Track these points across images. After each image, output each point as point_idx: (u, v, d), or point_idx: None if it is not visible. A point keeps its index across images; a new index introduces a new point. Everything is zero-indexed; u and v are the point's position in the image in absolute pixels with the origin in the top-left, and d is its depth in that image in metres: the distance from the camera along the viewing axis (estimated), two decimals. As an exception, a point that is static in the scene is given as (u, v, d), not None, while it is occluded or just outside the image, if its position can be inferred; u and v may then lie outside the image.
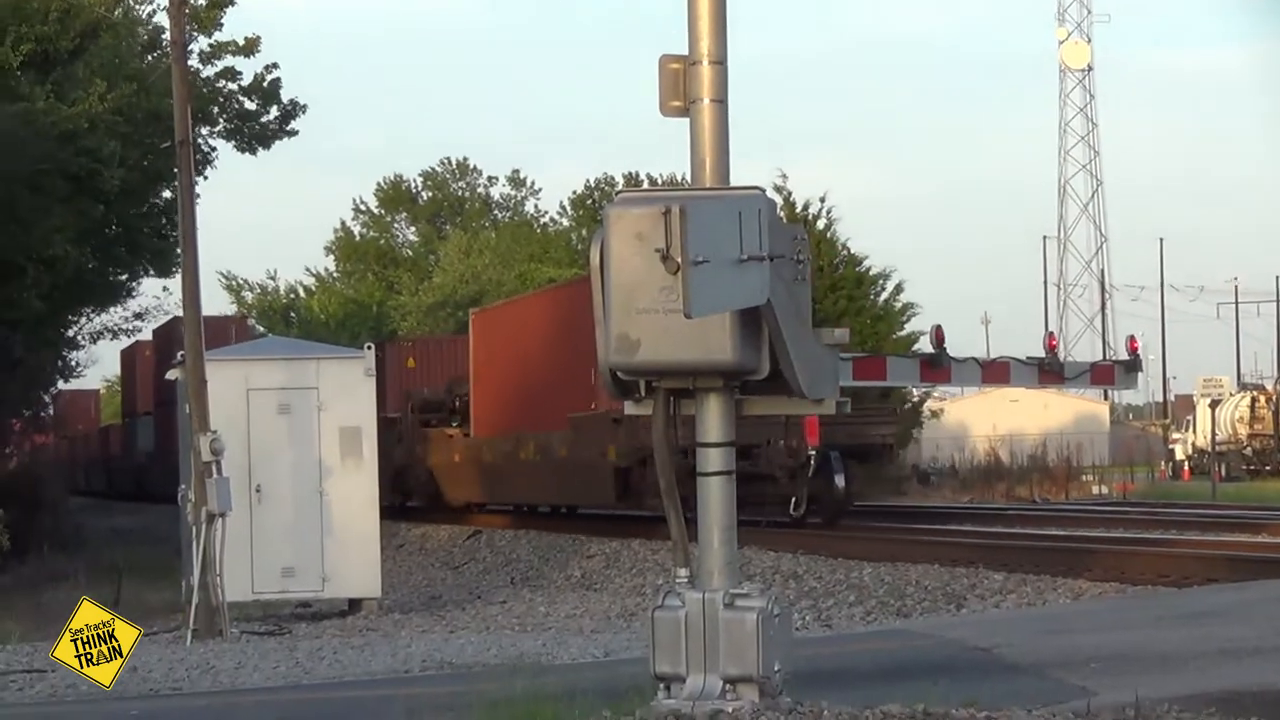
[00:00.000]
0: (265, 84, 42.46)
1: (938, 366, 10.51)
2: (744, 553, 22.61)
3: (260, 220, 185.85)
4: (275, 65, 42.43)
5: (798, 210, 53.77)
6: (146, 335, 60.08)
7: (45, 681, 16.38)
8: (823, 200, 55.24)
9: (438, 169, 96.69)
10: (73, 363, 56.22)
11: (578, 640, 19.43)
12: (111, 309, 51.80)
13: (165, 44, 35.60)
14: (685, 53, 9.57)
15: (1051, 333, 11.39)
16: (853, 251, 55.82)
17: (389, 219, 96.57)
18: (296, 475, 25.68)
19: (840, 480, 33.08)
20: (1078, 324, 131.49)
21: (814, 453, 31.93)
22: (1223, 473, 62.92)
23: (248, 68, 42.14)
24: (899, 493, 53.88)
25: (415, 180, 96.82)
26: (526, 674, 11.51)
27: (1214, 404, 62.82)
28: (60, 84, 35.03)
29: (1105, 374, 11.25)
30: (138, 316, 53.65)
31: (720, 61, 9.54)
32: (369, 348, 27.12)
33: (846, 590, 24.62)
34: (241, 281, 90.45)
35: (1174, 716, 10.05)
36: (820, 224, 54.47)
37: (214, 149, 43.41)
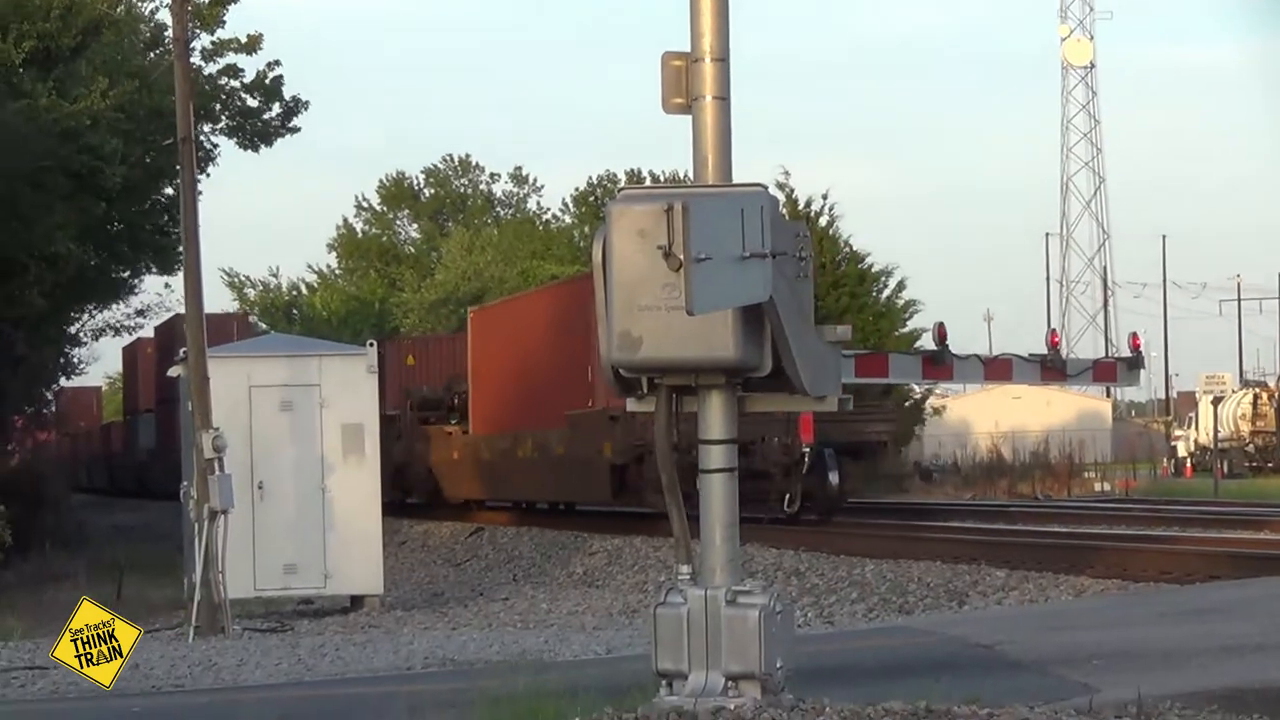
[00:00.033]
0: (267, 81, 42.50)
1: (940, 363, 10.50)
2: (746, 550, 22.61)
3: (262, 217, 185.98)
4: (277, 62, 42.52)
5: (800, 207, 53.83)
6: (148, 332, 60.15)
7: (47, 678, 16.38)
8: (825, 197, 55.36)
9: (440, 166, 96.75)
10: (75, 360, 56.31)
11: (580, 637, 19.43)
12: (113, 306, 51.92)
13: (167, 41, 35.58)
14: (688, 50, 9.57)
15: (1054, 330, 11.40)
16: (855, 248, 55.94)
17: (391, 216, 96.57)
18: (299, 472, 25.69)
19: (834, 477, 33.25)
20: (1080, 321, 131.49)
21: (808, 450, 32.10)
22: (1225, 469, 62.89)
23: (250, 65, 42.23)
24: (901, 490, 53.91)
25: (417, 177, 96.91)
26: (528, 671, 11.52)
27: (1216, 401, 62.70)
28: (62, 81, 35.02)
29: (1107, 371, 11.25)
30: (140, 313, 53.82)
31: (723, 59, 9.53)
32: (371, 345, 27.13)
33: (849, 587, 24.62)
34: (244, 279, 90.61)
35: (1176, 713, 10.05)
36: (822, 221, 54.53)
37: (216, 146, 43.51)
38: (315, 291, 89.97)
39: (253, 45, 41.67)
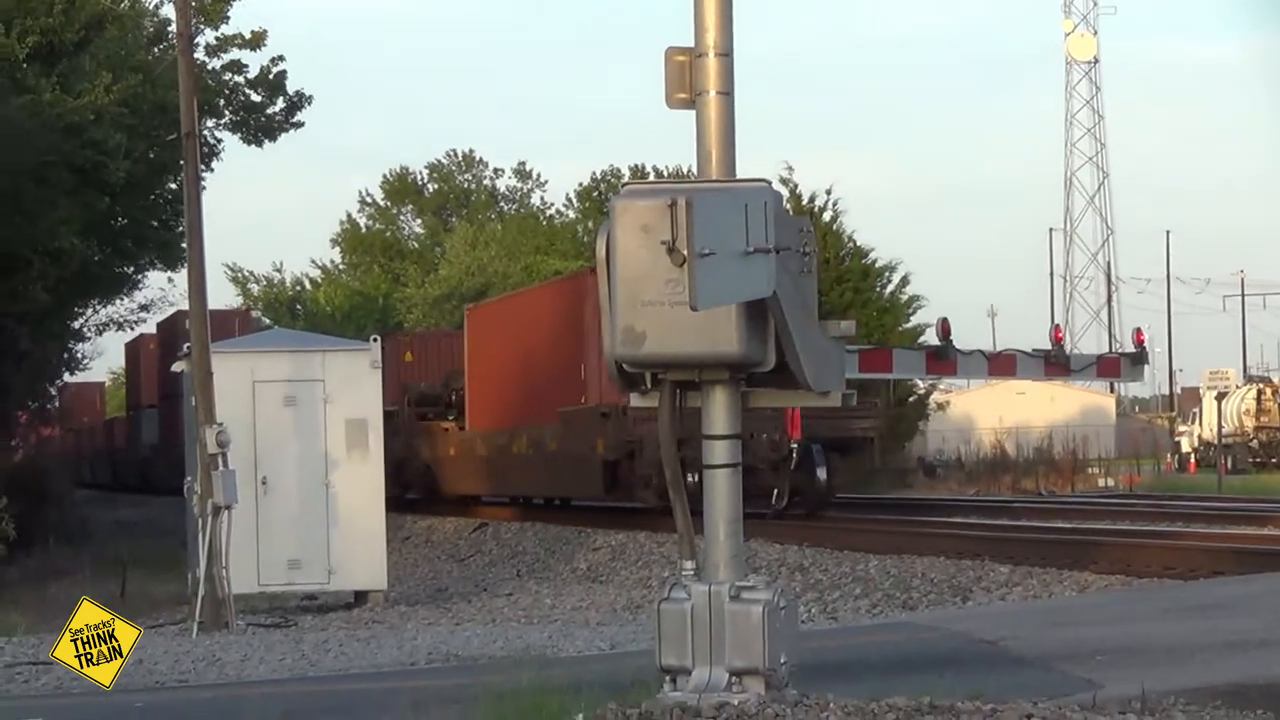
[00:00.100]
0: (271, 76, 42.53)
1: (944, 359, 10.50)
2: (750, 545, 22.61)
3: (266, 212, 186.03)
4: (281, 58, 42.57)
5: (804, 202, 53.83)
6: (151, 328, 60.17)
7: (51, 674, 16.38)
8: (829, 193, 55.36)
9: (444, 161, 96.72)
10: (78, 355, 56.30)
11: (583, 633, 19.43)
12: (117, 301, 51.92)
13: (171, 36, 35.64)
14: (691, 45, 9.56)
15: (1058, 325, 11.41)
16: (859, 244, 55.94)
17: (395, 211, 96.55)
18: (302, 467, 25.69)
19: (822, 473, 33.51)
20: (1084, 316, 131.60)
21: (796, 446, 32.25)
22: (1229, 465, 62.90)
23: (254, 60, 42.26)
24: (905, 485, 53.92)
25: (421, 172, 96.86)
26: (532, 666, 11.52)
27: (1220, 396, 62.64)
28: (66, 76, 35.01)
29: (1111, 366, 11.24)
30: (143, 309, 53.81)
31: (726, 54, 9.52)
32: (375, 340, 27.13)
33: (852, 583, 24.61)
34: (247, 274, 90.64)
35: (1180, 709, 10.04)
36: (826, 216, 54.55)
37: (220, 141, 43.56)
38: (319, 287, 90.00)
39: (257, 41, 41.73)
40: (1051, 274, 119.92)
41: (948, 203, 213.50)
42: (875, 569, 25.29)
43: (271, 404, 25.69)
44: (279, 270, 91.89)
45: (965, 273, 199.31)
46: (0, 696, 15.70)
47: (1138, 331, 11.34)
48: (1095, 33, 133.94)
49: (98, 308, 52.46)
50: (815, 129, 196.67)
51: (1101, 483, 56.86)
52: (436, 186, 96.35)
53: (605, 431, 33.54)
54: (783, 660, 9.37)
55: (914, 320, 56.11)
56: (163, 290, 62.06)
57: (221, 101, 42.13)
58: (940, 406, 66.34)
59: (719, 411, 9.45)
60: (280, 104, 42.87)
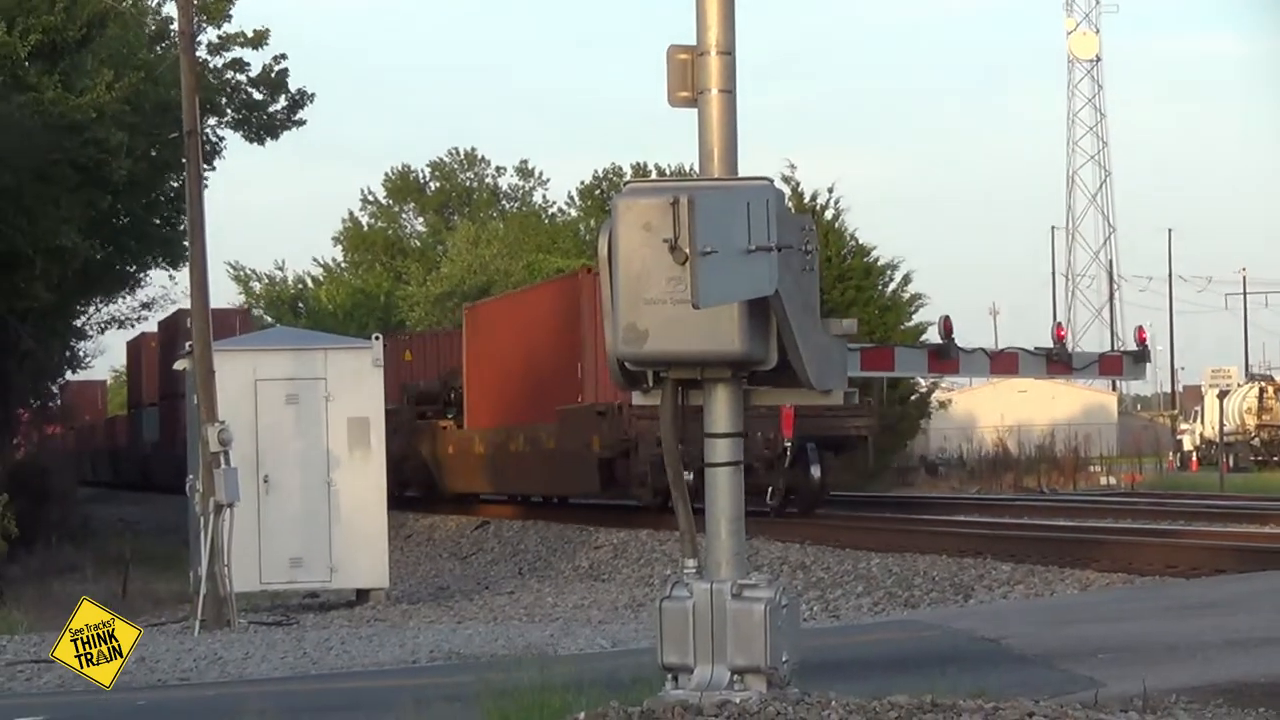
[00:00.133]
0: (273, 75, 42.54)
1: (946, 357, 10.49)
2: (752, 543, 22.60)
3: (268, 211, 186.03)
4: (283, 56, 42.58)
5: (806, 201, 53.79)
6: (153, 326, 60.17)
7: (53, 672, 16.38)
8: (831, 191, 55.31)
9: (446, 159, 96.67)
10: (80, 353, 56.36)
11: (585, 631, 19.43)
12: (119, 299, 51.95)
13: (173, 34, 35.62)
14: (693, 43, 9.55)
15: (1059, 323, 11.42)
16: (861, 242, 55.87)
17: (397, 209, 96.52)
18: (304, 466, 25.69)
19: (816, 471, 33.56)
20: (1086, 314, 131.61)
21: (790, 444, 32.28)
22: (1230, 463, 62.87)
23: (256, 59, 42.27)
24: (906, 483, 53.91)
25: (423, 170, 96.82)
26: (534, 664, 11.51)
27: (1222, 395, 62.61)
28: (68, 74, 35.00)
29: (1113, 364, 11.24)
30: (145, 307, 53.86)
31: (728, 52, 9.52)
32: (377, 338, 27.13)
33: (854, 581, 24.61)
34: (249, 272, 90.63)
35: (1182, 707, 10.04)
36: (828, 214, 54.48)
37: (222, 139, 43.53)
38: (321, 285, 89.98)
39: (259, 39, 41.74)
40: (1053, 272, 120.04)
41: (950, 201, 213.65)
42: (877, 567, 25.28)
43: (273, 402, 25.69)
44: (281, 268, 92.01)
45: (967, 271, 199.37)
46: (2, 695, 15.72)
47: (1140, 330, 11.35)
48: (1097, 31, 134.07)
49: (100, 306, 52.52)
50: (817, 127, 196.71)
51: (1103, 481, 56.84)
52: (438, 185, 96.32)
53: (601, 430, 33.66)
54: (785, 658, 9.37)
55: (916, 319, 56.05)
56: (164, 288, 61.96)
57: (223, 100, 42.12)
58: (942, 405, 66.28)
59: (721, 409, 9.45)
60: (282, 102, 42.88)
